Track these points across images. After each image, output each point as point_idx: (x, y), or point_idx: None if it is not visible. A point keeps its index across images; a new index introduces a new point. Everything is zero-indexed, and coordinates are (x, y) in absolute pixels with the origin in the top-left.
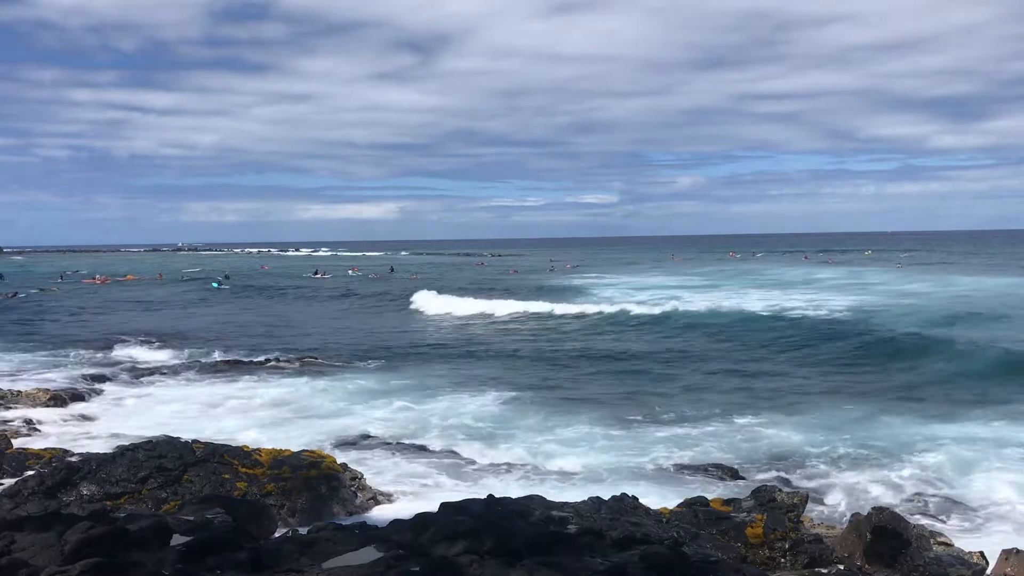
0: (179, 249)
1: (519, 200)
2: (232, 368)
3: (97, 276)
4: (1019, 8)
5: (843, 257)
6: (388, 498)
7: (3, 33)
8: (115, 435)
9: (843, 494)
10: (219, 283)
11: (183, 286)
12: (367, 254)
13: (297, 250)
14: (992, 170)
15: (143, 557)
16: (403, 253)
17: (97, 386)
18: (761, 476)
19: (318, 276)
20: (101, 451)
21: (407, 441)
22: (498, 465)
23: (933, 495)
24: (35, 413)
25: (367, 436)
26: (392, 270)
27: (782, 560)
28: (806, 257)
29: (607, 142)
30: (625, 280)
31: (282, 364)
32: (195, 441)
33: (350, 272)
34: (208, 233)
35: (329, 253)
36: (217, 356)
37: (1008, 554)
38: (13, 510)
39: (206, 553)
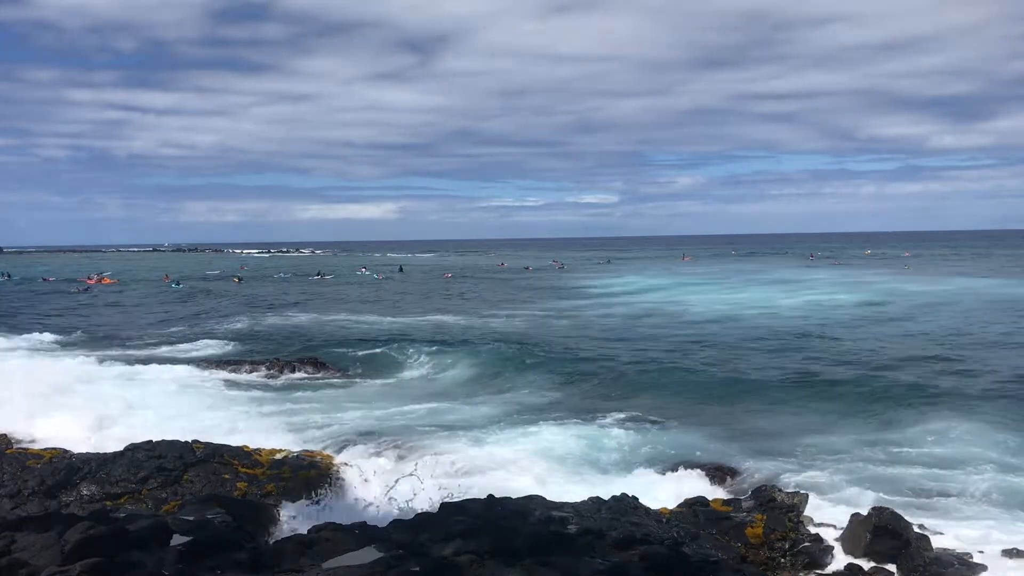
0: (179, 250)
1: (519, 200)
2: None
3: (94, 275)
4: (1019, 8)
5: (844, 258)
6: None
7: (3, 33)
8: (115, 436)
9: (843, 494)
10: (177, 283)
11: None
12: (397, 255)
13: (298, 250)
14: (993, 170)
15: (143, 557)
16: (429, 255)
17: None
18: (761, 476)
19: (319, 276)
20: (101, 451)
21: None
22: (498, 466)
23: (933, 495)
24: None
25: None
26: (401, 269)
27: (782, 560)
28: (812, 256)
29: (607, 142)
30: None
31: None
32: (195, 441)
33: (360, 271)
34: (208, 233)
35: (328, 253)
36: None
37: (1008, 554)
38: (13, 510)
39: (206, 553)
